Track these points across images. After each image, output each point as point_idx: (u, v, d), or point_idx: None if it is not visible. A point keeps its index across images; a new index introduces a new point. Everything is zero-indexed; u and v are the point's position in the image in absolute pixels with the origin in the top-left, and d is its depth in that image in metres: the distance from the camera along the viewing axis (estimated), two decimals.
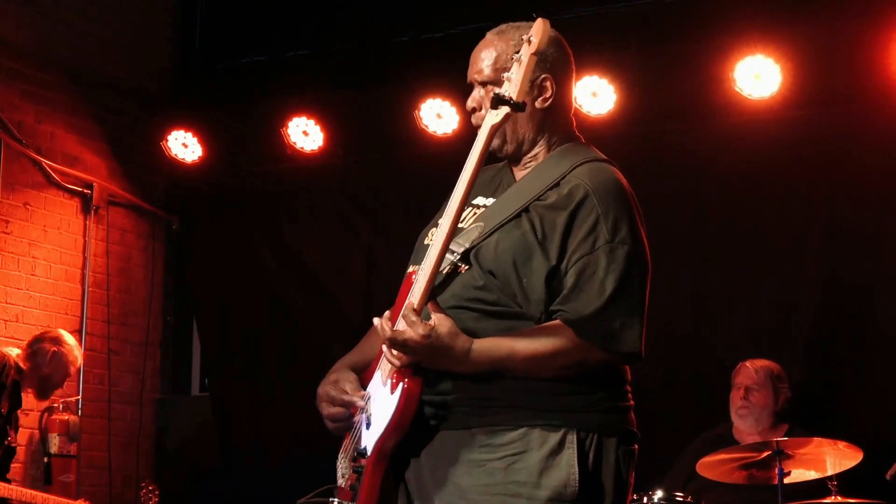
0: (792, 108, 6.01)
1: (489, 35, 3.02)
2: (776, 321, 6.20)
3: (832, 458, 5.25)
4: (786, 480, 5.21)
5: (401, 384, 2.76)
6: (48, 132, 6.91)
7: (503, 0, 6.63)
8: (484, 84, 2.97)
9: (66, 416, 6.69)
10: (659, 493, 5.26)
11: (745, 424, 5.69)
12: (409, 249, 3.12)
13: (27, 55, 6.78)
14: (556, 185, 2.88)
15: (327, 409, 3.00)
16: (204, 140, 7.24)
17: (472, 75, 3.01)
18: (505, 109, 2.74)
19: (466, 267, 2.85)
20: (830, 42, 5.89)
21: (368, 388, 2.95)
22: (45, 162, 6.84)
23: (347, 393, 2.95)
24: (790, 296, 6.18)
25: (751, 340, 6.18)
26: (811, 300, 6.11)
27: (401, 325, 2.77)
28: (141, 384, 7.42)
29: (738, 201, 6.28)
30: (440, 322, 2.74)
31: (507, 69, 2.83)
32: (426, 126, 6.63)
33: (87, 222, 7.09)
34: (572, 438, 2.79)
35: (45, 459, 6.60)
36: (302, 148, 6.99)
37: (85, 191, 7.09)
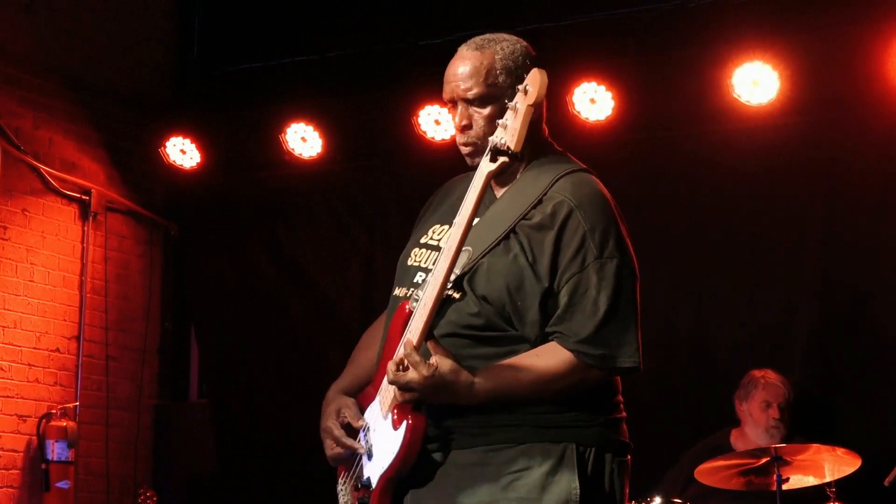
0: (790, 114, 6.02)
1: (466, 51, 2.98)
2: (774, 328, 6.20)
3: (830, 464, 5.25)
4: (784, 487, 5.22)
5: (404, 422, 2.80)
6: (46, 138, 6.90)
7: (500, 7, 6.70)
8: (472, 101, 2.93)
9: (63, 423, 6.69)
10: (658, 500, 5.26)
11: (773, 441, 5.59)
12: None
13: (25, 61, 6.78)
14: (539, 201, 2.87)
15: (332, 450, 3.05)
16: (202, 146, 7.24)
17: (457, 93, 2.95)
18: (503, 158, 2.73)
19: (459, 294, 2.85)
20: (828, 49, 5.90)
21: (367, 416, 2.98)
22: (43, 168, 6.84)
23: (353, 423, 2.99)
24: (788, 302, 6.17)
25: (749, 347, 6.18)
26: (809, 306, 6.11)
27: (400, 351, 2.80)
28: (139, 390, 7.41)
29: (736, 207, 6.28)
30: (442, 361, 2.76)
31: (498, 84, 2.87)
32: (424, 132, 6.64)
33: (86, 228, 7.08)
34: (572, 454, 2.82)
35: (43, 466, 6.60)
36: (300, 154, 6.99)
37: (83, 197, 7.08)
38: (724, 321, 6.28)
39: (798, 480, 5.33)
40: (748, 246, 6.27)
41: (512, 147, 2.68)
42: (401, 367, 2.77)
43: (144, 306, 7.49)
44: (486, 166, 2.77)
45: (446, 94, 2.99)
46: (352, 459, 3.00)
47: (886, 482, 5.14)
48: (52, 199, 6.92)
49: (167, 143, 7.23)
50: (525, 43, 3.01)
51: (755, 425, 5.74)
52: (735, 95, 5.99)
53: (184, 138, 7.23)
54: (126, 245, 7.39)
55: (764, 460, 5.24)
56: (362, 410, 3.01)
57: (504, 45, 2.95)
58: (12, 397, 6.59)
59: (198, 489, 7.41)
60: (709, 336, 6.30)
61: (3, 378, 6.55)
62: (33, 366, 6.73)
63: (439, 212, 3.13)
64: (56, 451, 6.60)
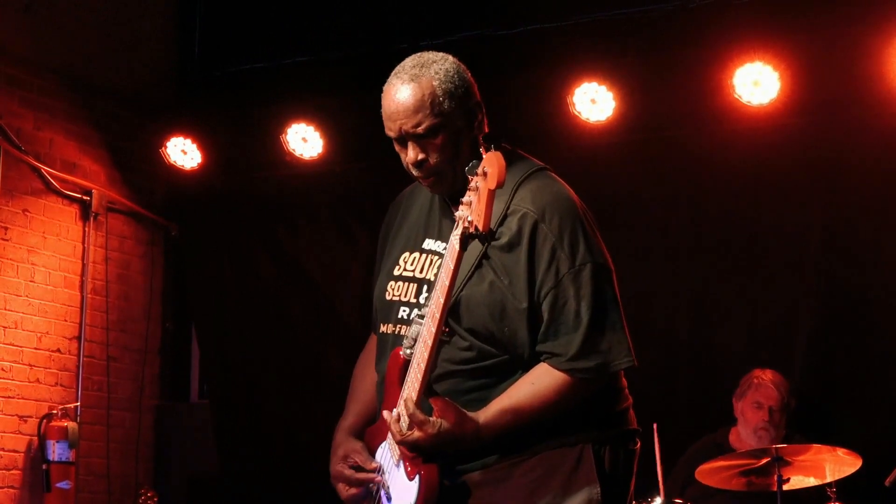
0: (790, 115, 6.02)
1: (402, 85, 2.97)
2: (775, 327, 6.20)
3: (831, 464, 5.26)
4: (785, 487, 5.22)
5: (417, 475, 2.83)
6: (47, 139, 6.91)
7: (500, 8, 6.70)
8: (424, 135, 2.91)
9: (64, 423, 6.69)
10: (658, 501, 5.26)
11: (762, 443, 5.63)
12: None
13: (26, 62, 6.78)
14: (504, 217, 2.86)
15: (346, 492, 3.06)
16: (203, 146, 7.23)
17: (406, 130, 2.94)
18: (474, 242, 2.72)
19: (446, 332, 2.84)
20: (829, 49, 5.90)
21: (378, 457, 3.00)
22: (44, 168, 6.84)
23: (365, 467, 3.01)
24: (789, 302, 6.18)
25: (750, 347, 6.18)
26: (810, 306, 6.11)
27: (401, 408, 2.82)
28: (140, 391, 7.41)
29: (736, 208, 6.28)
30: (445, 416, 2.79)
31: (444, 111, 2.86)
32: None
33: (87, 229, 7.09)
34: (589, 454, 2.86)
35: (44, 466, 6.60)
36: (301, 154, 6.98)
37: (84, 197, 7.08)
38: (724, 321, 6.28)
39: (799, 481, 5.33)
40: (748, 246, 6.27)
41: (481, 228, 2.64)
42: (405, 426, 2.80)
43: (145, 307, 7.49)
44: (456, 244, 2.72)
45: (392, 132, 2.98)
46: (369, 499, 3.02)
47: (887, 482, 5.14)
48: (52, 199, 6.92)
49: (168, 144, 7.22)
50: (453, 57, 2.99)
51: (746, 425, 5.76)
52: (736, 96, 5.99)
53: (184, 138, 7.22)
54: (127, 245, 7.40)
55: (765, 461, 5.24)
56: (371, 450, 3.04)
57: (436, 67, 2.93)
58: (13, 398, 6.59)
59: (198, 489, 7.41)
60: (709, 336, 6.30)
61: (4, 378, 6.55)
62: (34, 366, 6.74)
63: (403, 234, 3.15)
64: (57, 451, 6.60)
